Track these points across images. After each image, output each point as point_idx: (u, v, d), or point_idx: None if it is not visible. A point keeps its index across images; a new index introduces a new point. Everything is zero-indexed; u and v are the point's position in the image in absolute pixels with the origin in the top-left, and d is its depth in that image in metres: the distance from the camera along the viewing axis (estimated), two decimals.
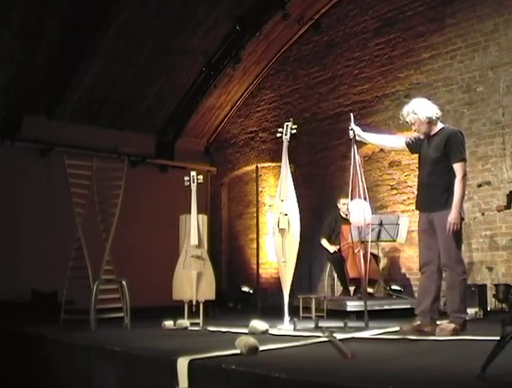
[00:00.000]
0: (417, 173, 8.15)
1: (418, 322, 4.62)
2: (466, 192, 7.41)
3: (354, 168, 5.21)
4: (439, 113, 4.66)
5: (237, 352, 3.40)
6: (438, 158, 4.56)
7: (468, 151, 7.52)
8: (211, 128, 11.50)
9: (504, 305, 6.60)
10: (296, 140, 5.85)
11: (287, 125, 5.59)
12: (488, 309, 6.53)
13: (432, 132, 4.68)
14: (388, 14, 8.70)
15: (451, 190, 4.48)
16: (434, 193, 4.61)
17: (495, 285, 6.74)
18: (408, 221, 7.28)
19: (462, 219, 4.52)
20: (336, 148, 8.99)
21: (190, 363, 3.15)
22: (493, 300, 6.70)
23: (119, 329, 5.56)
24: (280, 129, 5.61)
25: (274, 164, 10.07)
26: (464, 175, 4.49)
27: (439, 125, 4.69)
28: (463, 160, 4.51)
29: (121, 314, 5.77)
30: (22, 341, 5.11)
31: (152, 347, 4.02)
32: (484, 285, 6.75)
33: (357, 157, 5.29)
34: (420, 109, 4.64)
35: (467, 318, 5.59)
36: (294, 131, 5.57)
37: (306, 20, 9.72)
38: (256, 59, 10.32)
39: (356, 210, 5.50)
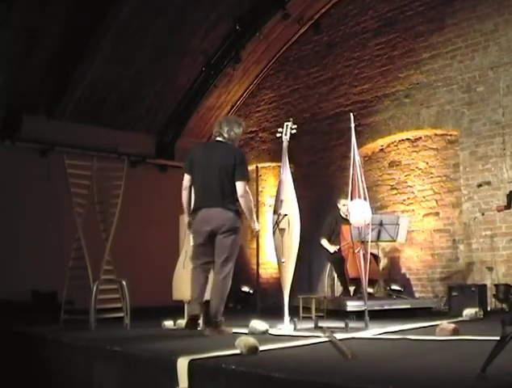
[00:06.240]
0: (416, 173, 8.29)
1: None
2: (466, 192, 7.53)
3: (354, 168, 5.21)
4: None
5: (237, 352, 3.40)
6: None
7: (468, 151, 7.59)
8: (212, 128, 11.44)
9: (504, 305, 6.59)
10: (296, 140, 5.84)
11: (286, 125, 5.58)
12: (488, 309, 6.54)
13: None
14: (388, 14, 8.70)
15: None
16: None
17: (495, 285, 6.73)
18: (408, 221, 7.29)
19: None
20: (336, 148, 8.99)
21: (190, 363, 3.15)
22: (493, 300, 6.70)
23: (119, 329, 5.55)
24: (280, 129, 5.61)
25: (274, 164, 10.06)
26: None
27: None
28: None
29: (121, 314, 5.77)
30: (22, 341, 5.11)
31: (152, 347, 4.03)
32: (484, 285, 6.76)
33: (357, 157, 5.29)
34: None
35: (468, 319, 5.63)
36: (294, 131, 5.57)
37: (306, 20, 9.72)
38: (256, 59, 10.32)
39: (356, 210, 5.50)
